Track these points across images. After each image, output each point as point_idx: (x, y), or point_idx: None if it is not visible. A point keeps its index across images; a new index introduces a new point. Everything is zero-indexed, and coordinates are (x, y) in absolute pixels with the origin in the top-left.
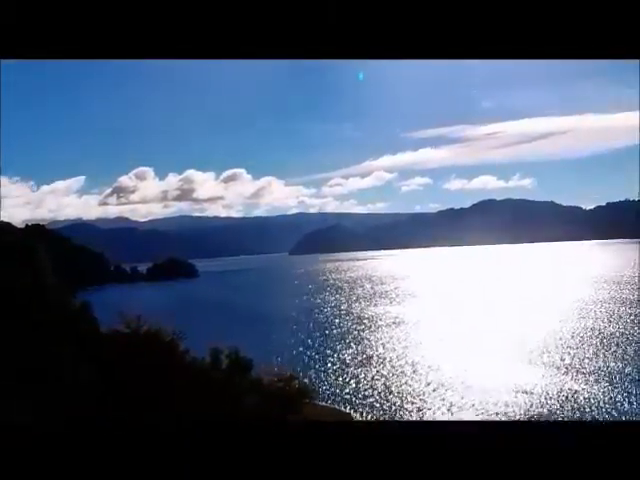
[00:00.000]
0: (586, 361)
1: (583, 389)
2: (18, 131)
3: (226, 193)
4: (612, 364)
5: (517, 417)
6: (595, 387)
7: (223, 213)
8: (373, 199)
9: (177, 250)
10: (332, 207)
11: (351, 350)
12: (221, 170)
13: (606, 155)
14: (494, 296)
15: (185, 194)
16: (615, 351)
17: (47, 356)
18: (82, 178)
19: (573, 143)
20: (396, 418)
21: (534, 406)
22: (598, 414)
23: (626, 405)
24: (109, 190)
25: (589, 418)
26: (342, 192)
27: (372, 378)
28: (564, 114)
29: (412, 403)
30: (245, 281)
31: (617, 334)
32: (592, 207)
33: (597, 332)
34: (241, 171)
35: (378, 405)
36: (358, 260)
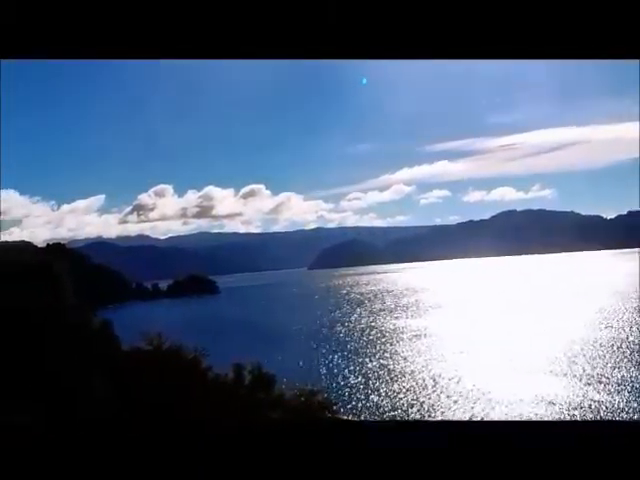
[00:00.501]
0: (609, 371)
1: (606, 399)
2: (39, 152)
3: (245, 209)
4: (635, 374)
5: None
6: (617, 397)
7: (242, 229)
8: (392, 212)
9: (197, 266)
10: (351, 221)
11: (373, 364)
12: (240, 186)
13: (626, 164)
14: (516, 307)
15: (204, 211)
16: (638, 361)
17: (65, 375)
18: (102, 197)
19: (591, 153)
20: None
21: (557, 417)
22: None
23: None
24: (129, 208)
25: None
26: (361, 206)
27: (394, 391)
28: (580, 124)
29: (434, 416)
30: (265, 296)
31: None
32: (613, 216)
33: (620, 342)
34: (260, 187)
35: (400, 419)
36: (378, 273)
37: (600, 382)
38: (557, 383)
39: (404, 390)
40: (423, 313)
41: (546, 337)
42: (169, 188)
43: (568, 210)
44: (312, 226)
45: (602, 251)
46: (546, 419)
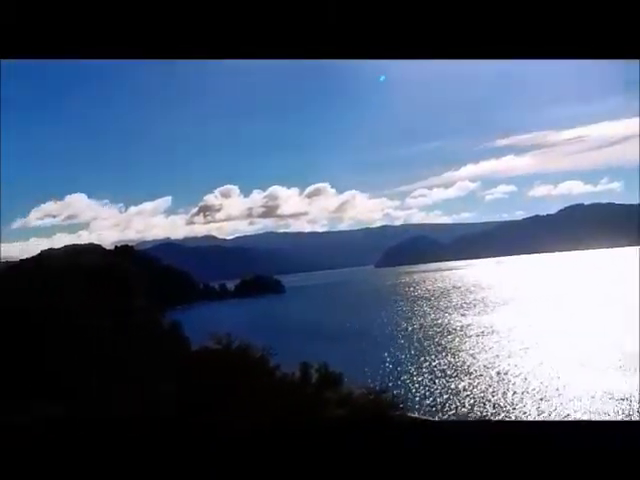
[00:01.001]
0: None
1: None
2: (106, 155)
3: (310, 208)
4: None
5: None
6: None
7: (308, 228)
8: (458, 209)
9: (263, 266)
10: (417, 218)
11: (440, 361)
12: (305, 185)
13: None
14: (585, 303)
15: (270, 210)
16: None
17: (132, 372)
18: (169, 198)
19: None
20: None
21: (629, 413)
22: None
23: None
24: (195, 209)
25: None
26: (426, 203)
27: (463, 388)
28: None
29: (503, 413)
30: (332, 295)
31: None
32: None
33: None
34: (325, 185)
35: (470, 416)
36: (444, 270)
37: None
38: (628, 380)
39: (471, 387)
40: (490, 310)
41: (616, 333)
42: (235, 188)
43: (638, 203)
44: (378, 224)
45: None
46: (617, 418)
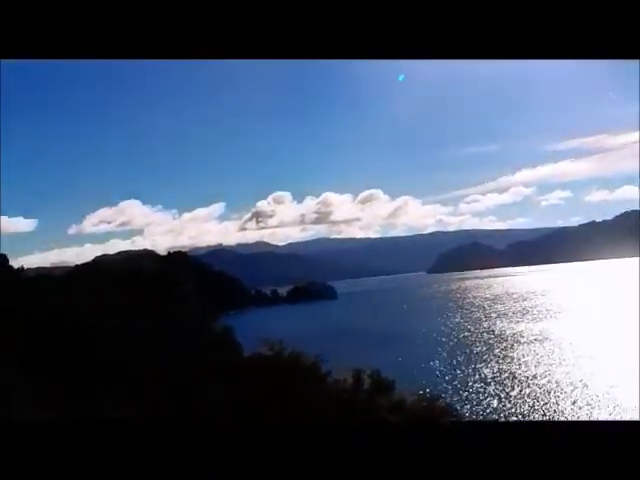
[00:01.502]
0: None
1: None
2: (160, 161)
3: (363, 214)
4: None
5: None
6: None
7: (360, 234)
8: (512, 215)
9: (316, 272)
10: (470, 224)
11: (493, 368)
12: (357, 191)
13: None
14: None
15: (323, 217)
16: None
17: (182, 377)
18: (222, 205)
19: None
20: None
21: None
22: None
23: None
24: (248, 215)
25: None
26: (480, 209)
27: (515, 396)
28: None
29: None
30: (384, 301)
31: None
32: None
33: None
34: (377, 191)
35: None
36: (498, 277)
37: None
38: None
39: (525, 395)
40: (544, 317)
41: None
42: (287, 195)
43: None
44: (430, 230)
45: None
46: None
